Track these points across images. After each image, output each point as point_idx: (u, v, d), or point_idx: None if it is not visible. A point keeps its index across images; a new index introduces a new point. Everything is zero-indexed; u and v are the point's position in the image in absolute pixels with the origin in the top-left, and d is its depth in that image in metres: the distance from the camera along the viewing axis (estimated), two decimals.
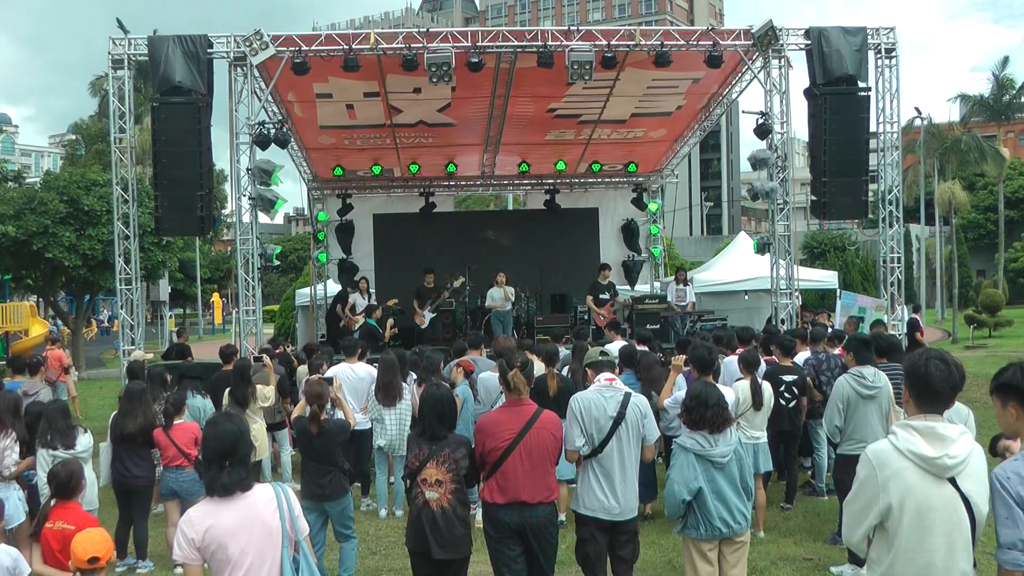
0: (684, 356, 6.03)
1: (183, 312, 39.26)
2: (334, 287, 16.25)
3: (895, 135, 11.38)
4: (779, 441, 7.03)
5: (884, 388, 5.51)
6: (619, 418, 4.28)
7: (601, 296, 13.31)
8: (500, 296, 12.97)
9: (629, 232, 16.28)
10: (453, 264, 14.61)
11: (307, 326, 16.57)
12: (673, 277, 14.44)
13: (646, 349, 8.22)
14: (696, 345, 5.87)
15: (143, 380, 6.92)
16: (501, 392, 5.92)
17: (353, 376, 7.33)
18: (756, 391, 6.29)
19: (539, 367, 6.40)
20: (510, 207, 26.34)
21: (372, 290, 14.65)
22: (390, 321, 11.91)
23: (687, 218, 61.00)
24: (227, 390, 7.18)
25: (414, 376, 7.75)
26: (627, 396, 4.36)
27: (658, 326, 12.99)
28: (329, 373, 7.09)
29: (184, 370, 8.16)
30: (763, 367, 7.16)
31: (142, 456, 5.94)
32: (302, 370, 8.72)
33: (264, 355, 7.97)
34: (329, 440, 5.28)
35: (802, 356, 7.72)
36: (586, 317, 13.74)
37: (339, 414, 6.16)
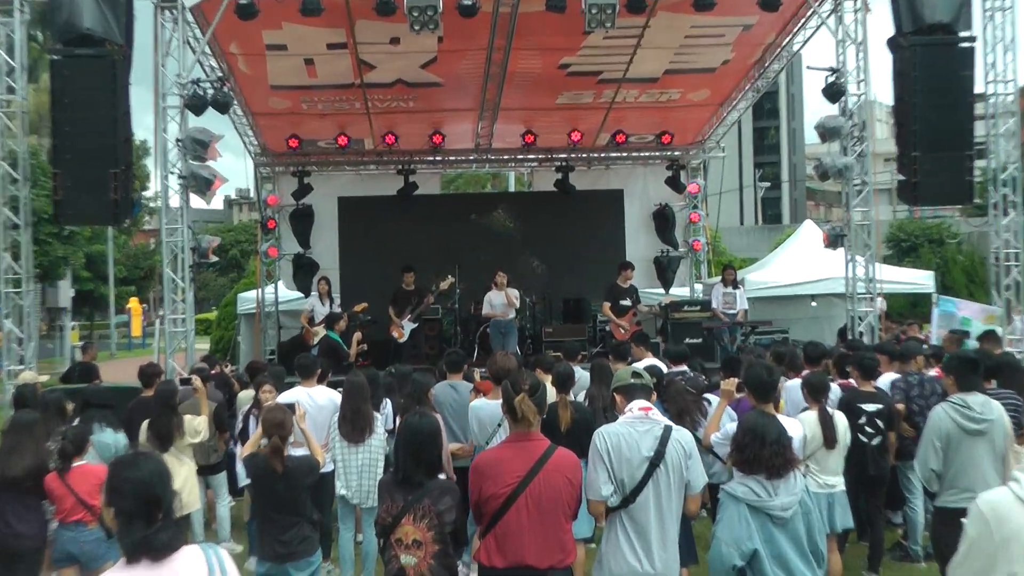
0: (736, 379, 5.96)
1: (90, 322, 39.23)
2: (288, 292, 16.19)
3: (1010, 98, 11.33)
4: (860, 490, 6.95)
5: (997, 421, 5.43)
6: (657, 458, 4.23)
7: (621, 303, 13.28)
8: (500, 302, 12.93)
9: (663, 220, 16.26)
10: (439, 261, 14.58)
11: (252, 340, 16.52)
12: (719, 278, 14.40)
13: (685, 369, 8.17)
14: (752, 364, 5.79)
15: (34, 409, 6.81)
16: (500, 425, 5.87)
17: (311, 404, 7.26)
18: (827, 425, 6.22)
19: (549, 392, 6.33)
20: (512, 188, 26.37)
21: (336, 294, 14.61)
22: (357, 334, 11.89)
23: (737, 203, 60.97)
24: (146, 422, 7.10)
25: (390, 404, 7.68)
26: (667, 430, 4.31)
27: (700, 340, 12.93)
28: (284, 399, 7.01)
29: (90, 396, 8.10)
30: (837, 393, 7.07)
31: (29, 508, 5.73)
32: (244, 396, 8.63)
33: (196, 377, 7.91)
34: (295, 483, 5.25)
35: (888, 379, 7.65)
36: (607, 328, 13.69)
37: (299, 451, 6.07)
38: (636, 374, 4.60)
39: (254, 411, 7.49)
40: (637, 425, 4.32)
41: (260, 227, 15.90)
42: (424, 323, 13.75)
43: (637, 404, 4.40)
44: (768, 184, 61.87)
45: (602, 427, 4.45)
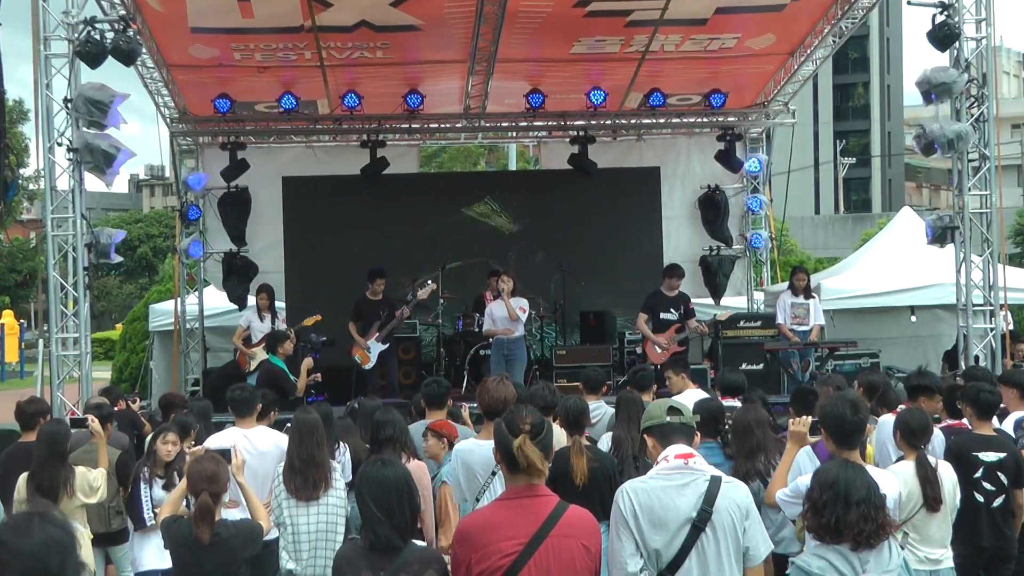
0: (810, 418, 6.01)
1: None
2: (216, 303, 16.20)
3: None
4: (976, 566, 6.97)
5: None
6: (702, 520, 4.27)
7: (663, 316, 13.32)
8: (503, 314, 12.95)
9: (712, 208, 16.29)
10: (417, 261, 14.61)
11: (169, 366, 16.54)
12: (787, 284, 14.43)
13: (736, 404, 8.22)
14: (831, 398, 5.84)
15: None
16: (495, 474, 5.90)
17: (251, 451, 7.31)
18: (929, 480, 6.25)
19: (558, 434, 6.36)
20: (512, 166, 26.41)
21: (280, 305, 14.61)
22: (308, 359, 11.90)
23: (811, 185, 61.02)
24: (24, 475, 7.14)
25: (347, 450, 7.73)
26: (714, 483, 4.35)
27: (760, 366, 12.97)
28: (213, 443, 7.05)
29: None
30: (940, 438, 7.09)
31: None
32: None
33: (92, 417, 7.95)
34: (230, 556, 5.27)
35: (1014, 419, 7.65)
36: (638, 351, 13.70)
37: (235, 513, 6.10)
38: (673, 409, 4.64)
39: (144, 471, 7.51)
40: (674, 477, 4.35)
41: (179, 217, 15.86)
42: (397, 343, 13.73)
43: (674, 450, 4.43)
44: (853, 160, 61.92)
45: (627, 482, 4.49)
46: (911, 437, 6.37)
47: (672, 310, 13.35)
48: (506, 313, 12.83)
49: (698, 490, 4.31)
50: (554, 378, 12.67)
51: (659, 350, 13.01)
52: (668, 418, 4.56)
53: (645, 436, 4.64)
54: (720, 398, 8.44)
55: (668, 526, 4.27)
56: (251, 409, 7.66)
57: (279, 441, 7.38)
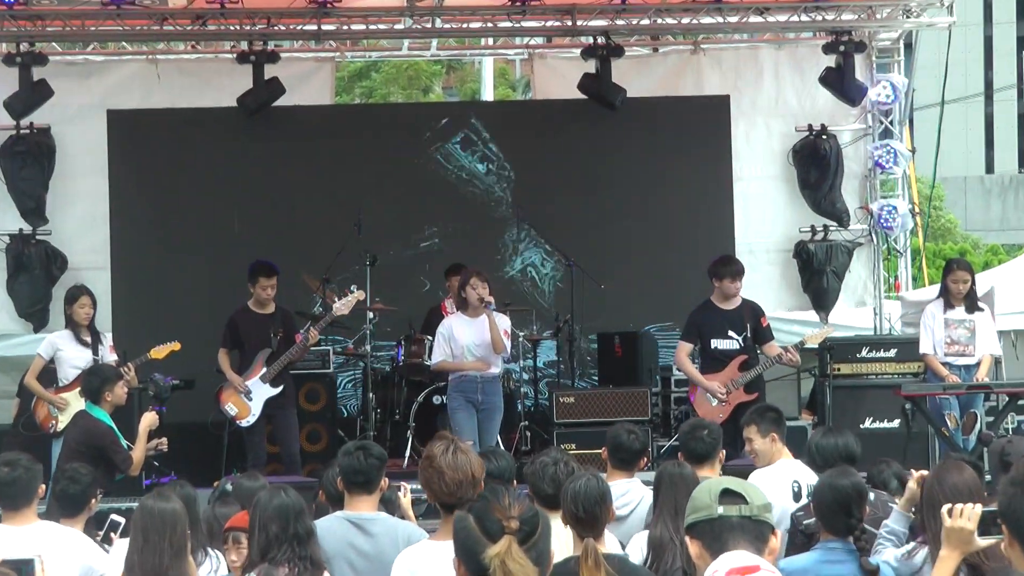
0: (981, 508, 6.04)
1: None
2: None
3: None
4: None
5: None
6: None
7: (717, 345, 13.38)
8: (477, 340, 12.98)
9: (816, 163, 16.39)
10: (331, 249, 14.64)
11: None
12: (940, 288, 14.44)
13: (866, 487, 8.26)
14: (1018, 477, 5.88)
15: None
16: None
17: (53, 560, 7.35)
18: None
19: (560, 534, 6.41)
20: (488, 95, 26.46)
21: (106, 324, 14.58)
22: (150, 415, 11.90)
23: (980, 127, 61.18)
24: None
25: (220, 558, 7.75)
26: None
27: (895, 424, 13.07)
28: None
29: None
30: None
31: None
32: None
33: None
34: None
35: None
36: (694, 399, 13.77)
37: None
38: (729, 493, 4.64)
39: None
40: None
41: None
42: (298, 386, 13.86)
43: (729, 560, 4.46)
44: None
45: None
46: None
47: (732, 333, 13.28)
48: (483, 337, 12.90)
49: None
50: (555, 440, 12.71)
51: (714, 402, 13.02)
52: (721, 509, 4.56)
53: (688, 537, 4.66)
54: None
55: None
56: (26, 497, 7.70)
57: (82, 550, 7.50)
